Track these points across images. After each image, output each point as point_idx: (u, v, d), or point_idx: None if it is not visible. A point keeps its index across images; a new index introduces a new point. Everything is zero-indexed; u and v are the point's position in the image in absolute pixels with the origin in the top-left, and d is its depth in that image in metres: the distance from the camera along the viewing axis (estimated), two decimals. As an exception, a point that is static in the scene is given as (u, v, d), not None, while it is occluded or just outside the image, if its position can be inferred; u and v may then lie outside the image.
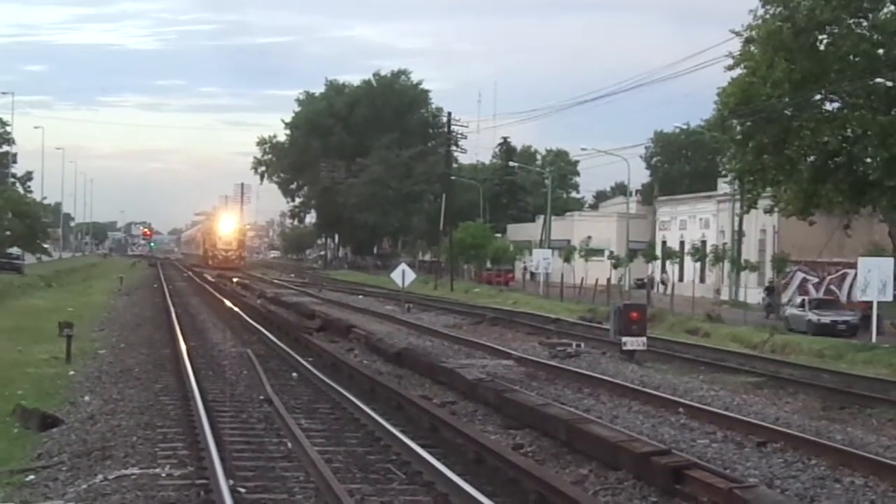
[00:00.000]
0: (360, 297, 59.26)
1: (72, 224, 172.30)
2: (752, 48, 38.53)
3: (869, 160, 38.27)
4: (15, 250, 74.12)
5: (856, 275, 42.26)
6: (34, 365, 23.57)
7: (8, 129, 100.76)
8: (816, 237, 49.88)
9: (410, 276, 48.36)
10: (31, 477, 12.93)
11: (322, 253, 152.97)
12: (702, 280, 69.51)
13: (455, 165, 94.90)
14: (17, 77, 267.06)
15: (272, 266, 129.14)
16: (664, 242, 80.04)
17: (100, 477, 12.61)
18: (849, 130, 38.28)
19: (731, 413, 18.71)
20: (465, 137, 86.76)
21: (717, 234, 73.68)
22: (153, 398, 18.81)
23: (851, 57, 37.39)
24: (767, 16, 37.87)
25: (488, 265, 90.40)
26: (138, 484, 12.19)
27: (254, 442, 14.99)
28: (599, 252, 77.17)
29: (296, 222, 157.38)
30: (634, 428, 16.72)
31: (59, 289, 58.35)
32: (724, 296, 63.81)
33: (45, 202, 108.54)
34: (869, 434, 17.49)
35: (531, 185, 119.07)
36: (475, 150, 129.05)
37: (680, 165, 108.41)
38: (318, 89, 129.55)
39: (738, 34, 38.82)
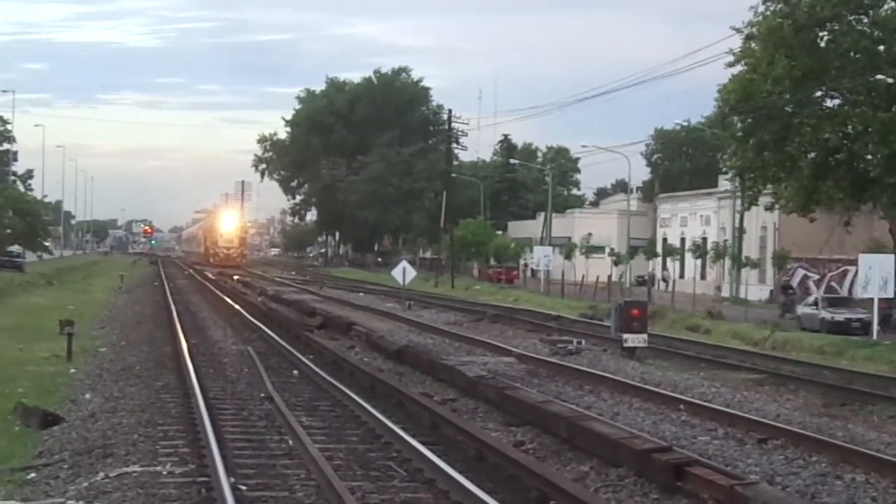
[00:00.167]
0: (361, 294, 59.28)
1: (72, 222, 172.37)
2: (753, 45, 38.54)
3: (869, 157, 38.29)
4: (16, 248, 74.16)
5: (856, 272, 42.28)
6: (35, 363, 23.58)
7: (8, 127, 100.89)
8: (817, 234, 49.91)
9: (411, 273, 48.37)
10: (33, 475, 12.93)
11: (323, 250, 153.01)
12: (703, 277, 69.58)
13: (456, 163, 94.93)
14: (17, 75, 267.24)
15: (273, 264, 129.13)
16: (665, 239, 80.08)
17: (101, 475, 12.61)
18: (849, 127, 38.30)
19: (732, 410, 18.70)
20: (466, 135, 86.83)
21: (718, 231, 73.71)
22: (154, 396, 18.81)
23: (852, 53, 37.41)
24: (768, 12, 37.89)
25: (493, 262, 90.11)
26: (139, 482, 12.19)
27: (255, 439, 14.98)
28: (600, 249, 77.16)
29: (296, 220, 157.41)
30: (635, 425, 16.71)
31: (59, 287, 58.35)
32: (725, 293, 63.82)
33: (46, 200, 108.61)
34: (870, 431, 17.49)
35: (532, 182, 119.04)
36: (476, 147, 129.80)
37: (681, 162, 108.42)
38: (319, 87, 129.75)
39: (738, 31, 38.88)
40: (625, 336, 28.08)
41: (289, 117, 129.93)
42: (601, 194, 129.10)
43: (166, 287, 56.26)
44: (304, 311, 40.06)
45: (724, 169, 54.63)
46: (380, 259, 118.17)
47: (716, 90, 41.05)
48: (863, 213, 43.27)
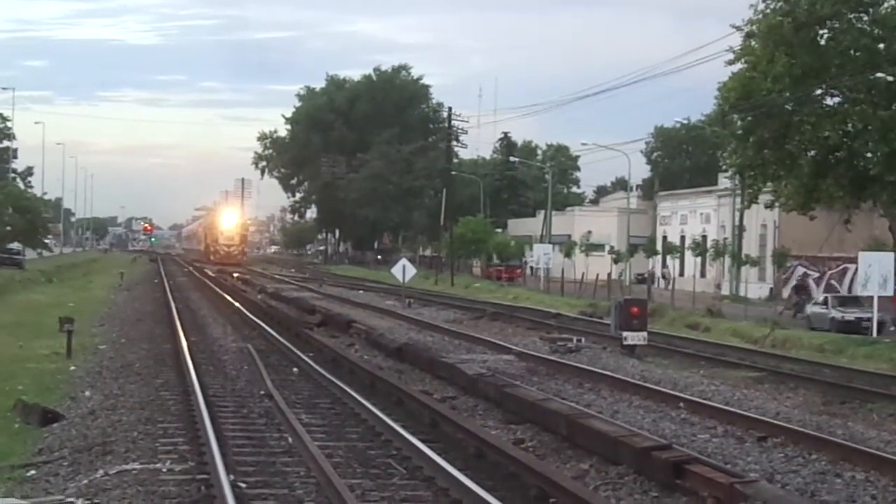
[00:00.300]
0: (361, 292, 59.25)
1: (72, 219, 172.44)
2: (753, 43, 38.54)
3: (869, 155, 38.30)
4: (16, 245, 74.18)
5: (856, 270, 42.26)
6: (35, 360, 23.58)
7: (8, 124, 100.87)
8: (817, 232, 49.91)
9: (411, 271, 48.33)
10: (32, 472, 12.93)
11: (322, 248, 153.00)
12: (702, 275, 69.59)
13: (455, 160, 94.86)
14: (17, 72, 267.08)
15: (272, 261, 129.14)
16: (665, 237, 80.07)
17: (100, 472, 12.62)
18: (849, 125, 38.30)
19: (731, 408, 18.70)
20: (466, 132, 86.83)
21: (718, 229, 73.68)
22: (154, 393, 18.81)
23: (852, 52, 37.40)
24: (768, 10, 37.89)
25: (496, 260, 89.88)
26: (139, 479, 12.20)
27: (254, 437, 14.99)
28: (600, 247, 77.11)
29: (296, 217, 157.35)
30: (635, 423, 16.71)
31: (59, 284, 58.36)
32: (725, 290, 63.83)
33: (46, 197, 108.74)
34: (870, 429, 17.49)
35: (532, 180, 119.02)
36: (476, 145, 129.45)
37: (680, 160, 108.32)
38: (320, 84, 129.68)
39: (738, 29, 38.87)
40: (624, 334, 28.07)
41: (289, 115, 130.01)
42: (601, 192, 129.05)
43: (166, 284, 56.26)
44: (304, 309, 40.07)
45: (724, 167, 54.60)
46: (379, 257, 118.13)
47: (716, 88, 41.08)
48: (863, 210, 43.28)
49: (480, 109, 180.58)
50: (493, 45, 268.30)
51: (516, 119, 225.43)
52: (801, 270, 57.10)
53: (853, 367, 27.32)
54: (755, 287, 61.56)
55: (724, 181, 68.93)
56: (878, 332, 35.83)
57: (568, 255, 72.17)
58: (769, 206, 44.23)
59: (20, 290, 49.12)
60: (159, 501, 11.37)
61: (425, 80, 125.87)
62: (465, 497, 11.43)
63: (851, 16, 37.77)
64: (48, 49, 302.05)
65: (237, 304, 41.99)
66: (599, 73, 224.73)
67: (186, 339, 26.52)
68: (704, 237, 71.55)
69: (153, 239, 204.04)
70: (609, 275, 63.07)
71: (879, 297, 35.77)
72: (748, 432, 16.36)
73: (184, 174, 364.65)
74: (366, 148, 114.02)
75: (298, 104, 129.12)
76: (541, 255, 71.58)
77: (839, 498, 12.41)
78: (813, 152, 38.76)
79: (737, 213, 62.74)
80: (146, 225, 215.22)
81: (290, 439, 14.65)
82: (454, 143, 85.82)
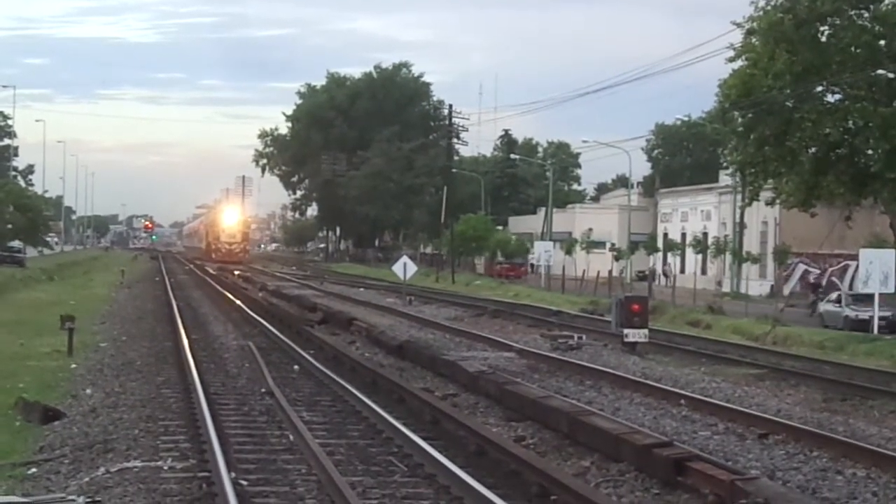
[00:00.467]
0: (362, 289, 59.23)
1: (73, 217, 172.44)
2: (754, 40, 38.49)
3: (870, 152, 38.25)
4: (17, 243, 74.25)
5: (857, 267, 42.22)
6: (36, 358, 23.58)
7: (9, 122, 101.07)
8: (818, 229, 49.87)
9: (412, 268, 48.34)
10: (34, 470, 12.94)
11: (323, 246, 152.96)
12: (703, 272, 69.60)
13: (456, 158, 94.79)
14: (18, 70, 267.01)
15: (273, 259, 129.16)
16: (665, 234, 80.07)
17: (102, 470, 12.62)
18: (850, 122, 38.27)
19: (732, 405, 18.69)
20: (467, 130, 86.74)
21: (719, 226, 73.68)
22: (155, 391, 18.82)
23: (853, 48, 37.37)
24: (769, 7, 37.84)
25: (499, 258, 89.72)
26: (140, 477, 12.20)
27: (256, 435, 15.00)
28: (601, 244, 77.14)
29: (297, 215, 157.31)
30: (636, 420, 16.71)
31: (60, 282, 58.38)
32: (726, 288, 63.83)
33: (47, 195, 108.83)
34: (871, 426, 17.48)
35: (532, 177, 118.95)
36: (476, 142, 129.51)
37: (681, 157, 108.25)
38: (320, 82, 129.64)
39: (739, 26, 38.80)
40: (625, 331, 28.04)
41: (289, 112, 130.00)
42: (602, 189, 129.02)
43: (167, 282, 56.25)
44: (305, 307, 40.08)
45: (725, 164, 54.61)
46: (380, 254, 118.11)
47: (716, 85, 41.08)
48: (863, 208, 43.23)
49: (481, 107, 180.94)
50: (494, 43, 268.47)
51: (517, 116, 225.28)
52: (801, 268, 57.11)
53: (854, 363, 27.32)
54: (756, 284, 61.52)
55: (724, 178, 68.94)
56: (893, 331, 35.51)
57: (569, 252, 72.17)
58: (770, 203, 44.19)
59: (21, 288, 49.14)
60: (161, 499, 11.38)
61: (426, 78, 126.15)
62: (466, 495, 11.43)
63: (852, 12, 37.73)
64: (49, 47, 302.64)
65: (238, 301, 41.97)
66: (600, 70, 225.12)
67: (187, 336, 26.52)
68: (705, 234, 71.57)
69: (154, 237, 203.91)
70: (610, 272, 63.09)
71: (893, 295, 35.71)
72: (749, 429, 16.36)
73: (184, 172, 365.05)
74: (366, 145, 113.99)
75: (299, 102, 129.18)
76: (542, 253, 71.58)
77: (840, 495, 12.40)
78: (814, 149, 38.74)
79: (737, 211, 62.73)
80: (147, 223, 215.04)
81: (291, 437, 14.65)
82: (455, 140, 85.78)
